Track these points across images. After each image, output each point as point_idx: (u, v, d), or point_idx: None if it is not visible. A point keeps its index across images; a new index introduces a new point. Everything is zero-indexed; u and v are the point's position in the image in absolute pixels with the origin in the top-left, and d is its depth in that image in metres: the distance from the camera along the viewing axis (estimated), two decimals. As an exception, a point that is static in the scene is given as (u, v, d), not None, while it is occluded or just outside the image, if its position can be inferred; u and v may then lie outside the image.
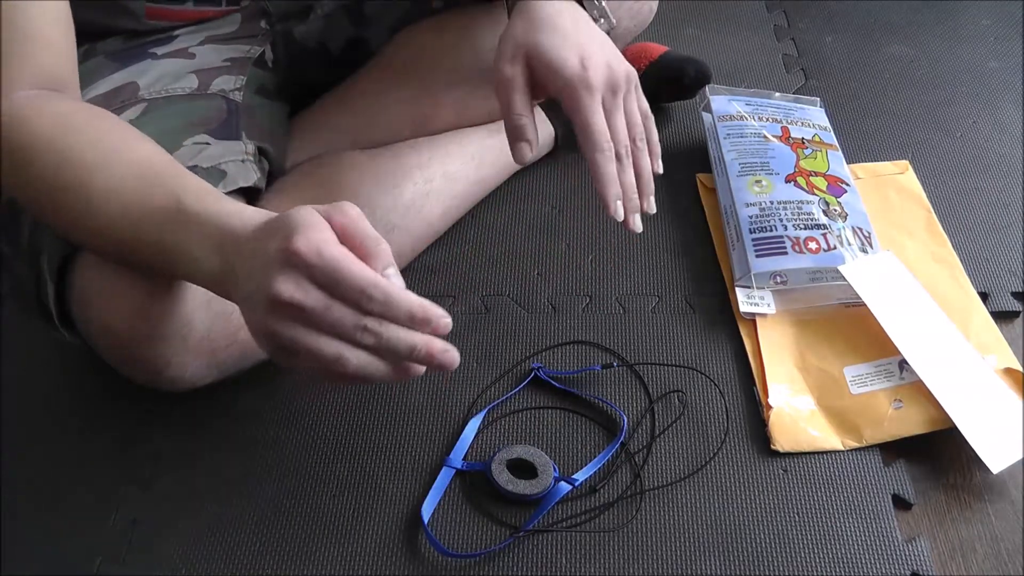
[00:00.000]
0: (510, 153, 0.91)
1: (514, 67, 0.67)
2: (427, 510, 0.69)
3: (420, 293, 0.84)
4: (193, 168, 0.69)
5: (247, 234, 0.54)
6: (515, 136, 0.68)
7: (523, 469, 0.70)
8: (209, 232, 0.56)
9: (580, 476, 0.70)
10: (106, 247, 0.63)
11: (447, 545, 0.68)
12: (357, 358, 0.53)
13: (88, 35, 0.75)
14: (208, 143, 0.72)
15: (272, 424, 0.76)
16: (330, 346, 0.52)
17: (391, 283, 0.53)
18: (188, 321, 0.65)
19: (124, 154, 0.61)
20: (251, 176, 0.72)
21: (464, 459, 0.72)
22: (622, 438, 0.73)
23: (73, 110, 0.64)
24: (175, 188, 0.59)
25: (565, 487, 0.69)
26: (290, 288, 0.50)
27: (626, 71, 0.70)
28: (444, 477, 0.71)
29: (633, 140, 0.70)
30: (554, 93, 0.68)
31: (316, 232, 0.51)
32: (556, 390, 0.77)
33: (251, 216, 0.56)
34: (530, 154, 0.67)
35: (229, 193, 0.71)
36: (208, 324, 0.66)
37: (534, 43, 0.67)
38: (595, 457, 0.72)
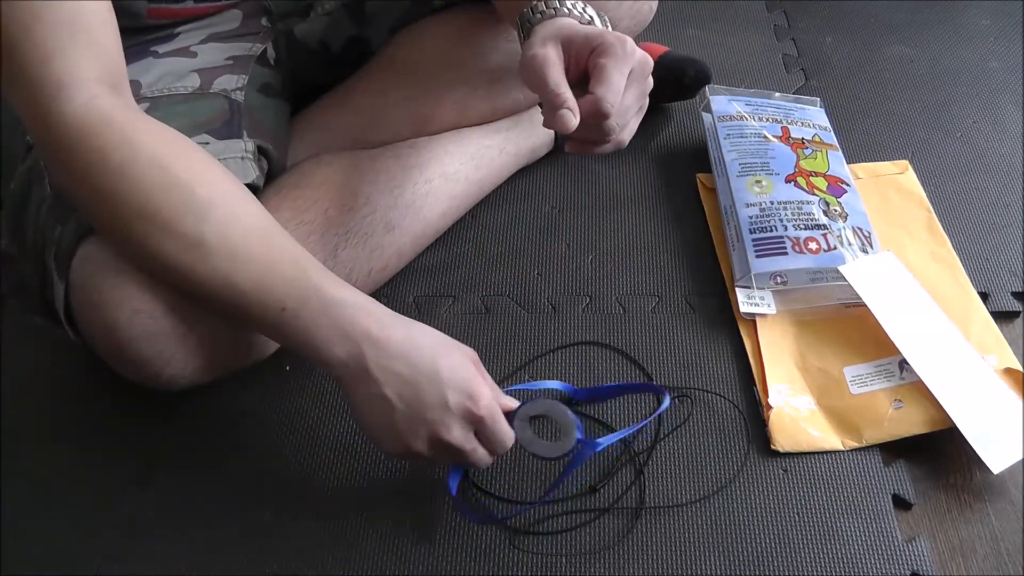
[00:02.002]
0: (502, 154, 0.91)
1: (545, 47, 0.64)
2: (453, 481, 0.68)
3: (420, 293, 0.85)
4: None
5: (395, 354, 0.61)
6: (555, 105, 0.62)
7: (546, 424, 0.69)
8: (342, 323, 0.60)
9: (604, 441, 0.67)
10: (194, 292, 0.63)
11: (453, 521, 0.68)
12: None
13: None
14: (208, 143, 0.72)
15: (272, 424, 0.76)
16: (462, 460, 0.64)
17: (512, 434, 0.65)
18: (187, 320, 0.65)
19: (242, 203, 0.63)
20: (250, 174, 0.72)
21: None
22: (660, 411, 0.73)
23: (173, 134, 0.63)
24: (303, 261, 0.62)
25: (588, 451, 0.67)
26: (459, 437, 0.61)
27: (651, 66, 0.68)
28: None
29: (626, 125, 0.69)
30: (590, 60, 0.64)
31: (490, 399, 0.62)
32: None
33: (388, 322, 0.62)
34: (575, 121, 0.63)
35: None
36: (208, 324, 0.66)
37: (568, 25, 0.65)
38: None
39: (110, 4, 0.63)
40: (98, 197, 0.61)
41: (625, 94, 0.64)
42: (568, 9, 0.67)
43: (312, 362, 0.62)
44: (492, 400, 0.63)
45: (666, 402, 0.73)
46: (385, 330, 0.61)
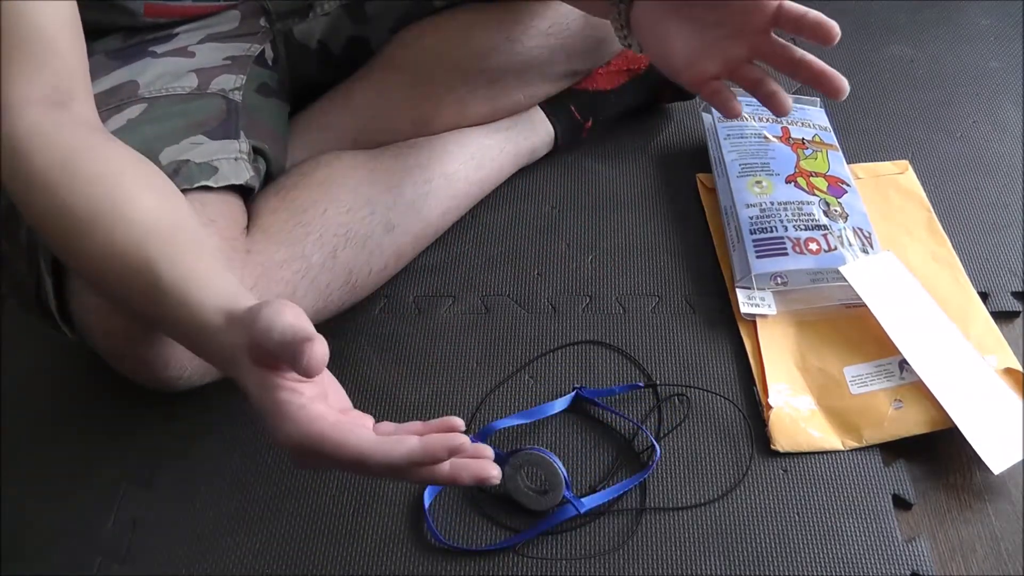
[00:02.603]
0: (502, 153, 0.91)
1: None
2: (429, 495, 0.69)
3: (420, 293, 0.85)
4: (185, 163, 0.68)
5: (233, 358, 0.53)
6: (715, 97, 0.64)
7: (537, 474, 0.69)
8: (192, 329, 0.56)
9: (588, 502, 0.68)
10: (109, 298, 0.64)
11: (443, 537, 0.68)
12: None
13: (87, 34, 0.75)
14: (203, 143, 0.72)
15: (272, 424, 0.76)
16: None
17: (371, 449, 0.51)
18: None
19: (121, 217, 0.59)
20: (243, 174, 0.72)
21: (487, 442, 0.72)
22: (646, 475, 0.71)
23: (77, 149, 0.61)
24: (160, 270, 0.57)
25: (571, 511, 0.68)
26: (308, 467, 0.61)
27: None
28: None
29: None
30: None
31: (306, 445, 0.50)
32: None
33: (232, 334, 0.54)
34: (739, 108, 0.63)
35: (224, 189, 0.71)
36: None
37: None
38: (610, 473, 0.72)
39: (73, 9, 0.62)
40: (38, 216, 0.60)
41: None
42: None
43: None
44: (313, 450, 0.51)
45: (657, 455, 0.72)
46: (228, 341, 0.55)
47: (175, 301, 0.56)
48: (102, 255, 0.58)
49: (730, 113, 0.64)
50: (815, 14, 0.60)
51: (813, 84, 0.63)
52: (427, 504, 0.69)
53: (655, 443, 0.72)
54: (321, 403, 0.52)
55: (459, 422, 0.53)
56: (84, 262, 0.60)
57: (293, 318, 0.50)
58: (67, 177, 0.59)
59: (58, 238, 0.60)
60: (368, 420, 0.54)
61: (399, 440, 0.50)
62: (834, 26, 0.60)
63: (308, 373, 0.49)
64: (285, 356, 0.49)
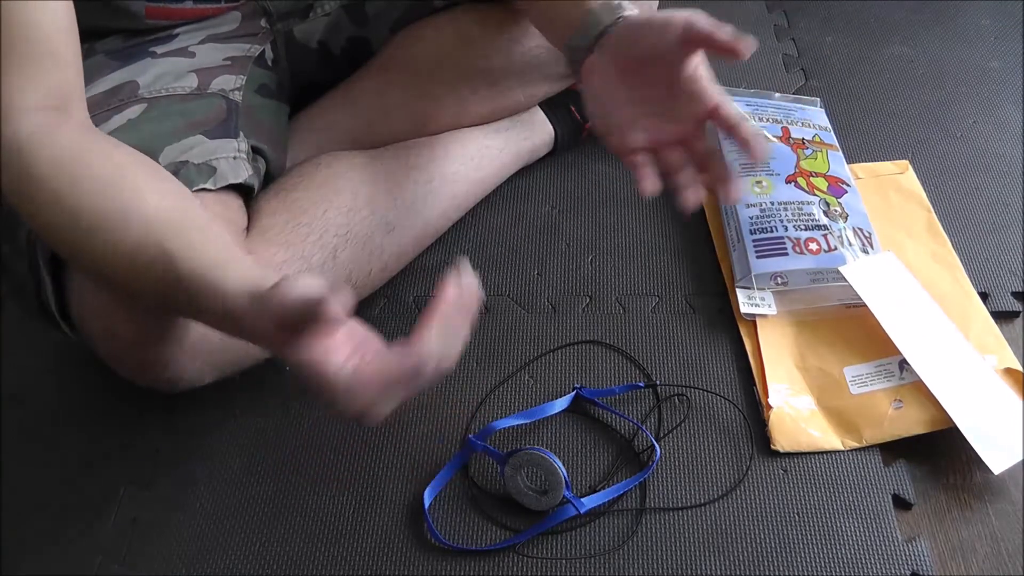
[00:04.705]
0: (501, 153, 0.91)
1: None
2: (429, 495, 0.69)
3: (420, 293, 0.85)
4: (184, 163, 0.68)
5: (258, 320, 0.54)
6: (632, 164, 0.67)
7: (537, 474, 0.70)
8: (219, 316, 0.57)
9: (588, 502, 0.69)
10: (120, 293, 0.63)
11: (443, 537, 0.68)
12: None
13: (88, 35, 0.75)
14: (202, 143, 0.71)
15: (272, 424, 0.76)
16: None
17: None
18: (186, 323, 0.65)
19: (133, 213, 0.59)
20: (241, 173, 0.72)
21: (488, 442, 0.72)
22: (647, 474, 0.71)
23: (80, 152, 0.61)
24: (178, 262, 0.57)
25: (570, 511, 0.68)
26: (378, 418, 0.55)
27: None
28: (455, 462, 0.72)
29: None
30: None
31: (362, 400, 0.53)
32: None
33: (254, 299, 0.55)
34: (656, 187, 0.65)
35: (223, 189, 0.71)
36: (207, 328, 0.66)
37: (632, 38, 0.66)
38: (610, 472, 0.72)
39: (70, 5, 0.62)
40: (42, 221, 0.60)
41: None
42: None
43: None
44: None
45: (657, 455, 0.72)
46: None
47: (197, 291, 0.56)
48: (115, 253, 0.58)
49: (643, 191, 0.65)
50: (748, 127, 0.63)
51: (712, 185, 0.66)
52: (427, 504, 0.69)
53: (655, 443, 0.72)
54: (359, 357, 0.54)
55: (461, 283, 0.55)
56: (97, 262, 0.60)
57: (311, 279, 0.51)
58: (73, 179, 0.59)
59: (67, 241, 0.60)
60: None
61: (425, 339, 0.53)
62: (762, 145, 0.63)
63: (336, 317, 0.50)
64: (309, 314, 0.50)
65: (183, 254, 0.57)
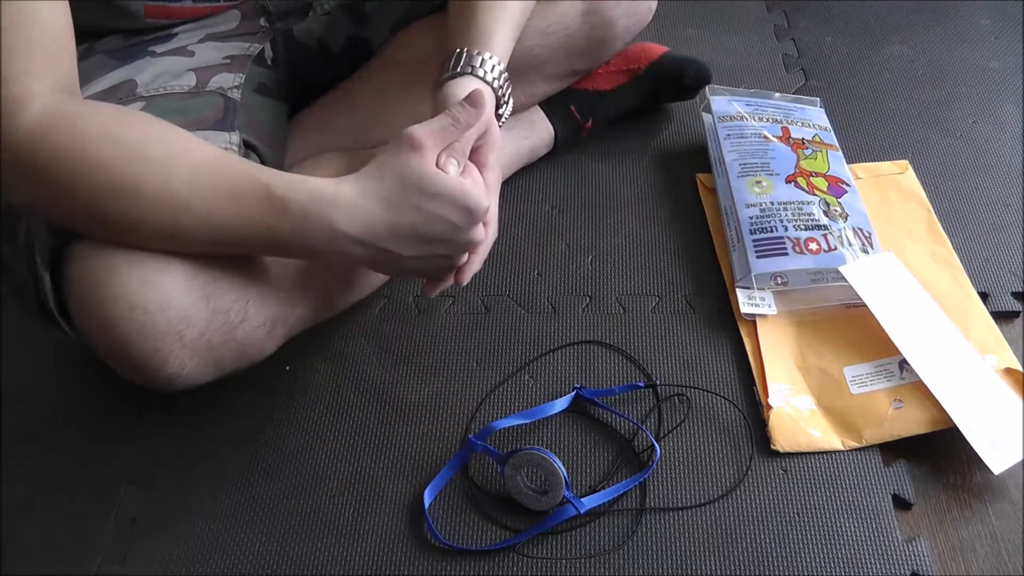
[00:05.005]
0: (509, 154, 0.92)
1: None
2: (429, 495, 0.69)
3: (420, 293, 0.85)
4: None
5: (370, 188, 0.62)
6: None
7: (537, 474, 0.70)
8: (319, 212, 0.61)
9: (588, 502, 0.69)
10: (190, 244, 0.63)
11: (443, 537, 0.68)
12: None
13: (87, 34, 0.75)
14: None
15: (272, 423, 0.76)
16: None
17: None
18: (185, 316, 0.65)
19: (192, 151, 0.63)
20: None
21: (488, 442, 0.72)
22: (647, 474, 0.71)
23: (117, 108, 0.64)
24: (263, 177, 0.63)
25: (570, 511, 0.68)
26: (454, 173, 0.64)
27: None
28: (455, 462, 0.72)
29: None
30: (477, 157, 0.70)
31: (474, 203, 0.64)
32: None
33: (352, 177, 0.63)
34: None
35: None
36: (206, 320, 0.66)
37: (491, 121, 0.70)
38: (610, 472, 0.72)
39: (67, 8, 0.63)
40: (66, 194, 0.61)
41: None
42: (485, 73, 0.72)
43: (315, 257, 0.66)
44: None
45: (657, 455, 0.72)
46: (357, 180, 0.63)
47: (303, 199, 0.61)
48: (187, 193, 0.61)
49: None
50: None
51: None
52: (427, 504, 0.69)
53: (655, 443, 0.72)
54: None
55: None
56: (166, 213, 0.61)
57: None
58: (119, 127, 0.61)
59: (120, 201, 0.60)
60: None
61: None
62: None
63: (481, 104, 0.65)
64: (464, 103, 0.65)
65: (262, 173, 0.63)
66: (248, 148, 0.76)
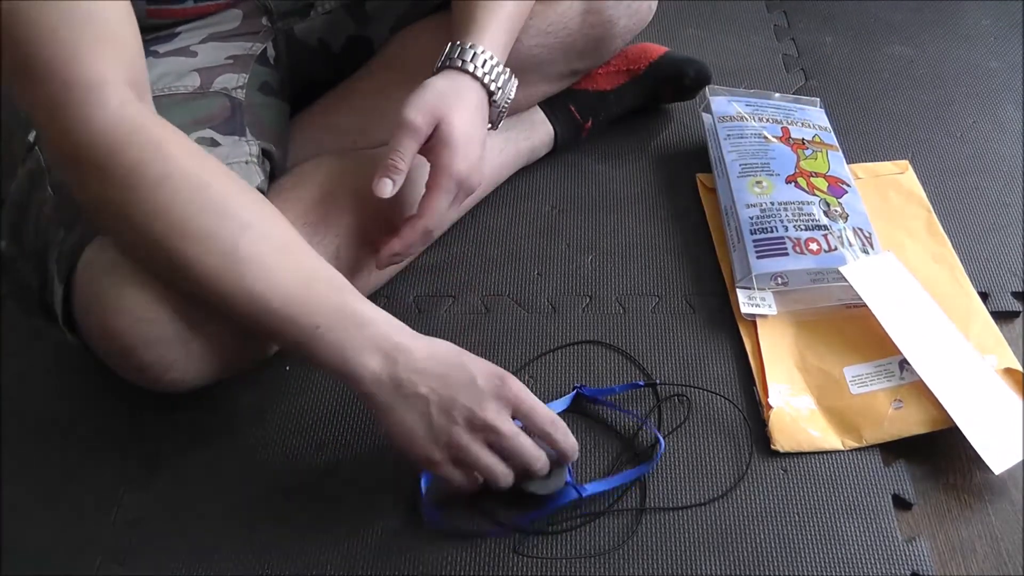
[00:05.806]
0: (501, 154, 0.91)
1: (424, 119, 0.71)
2: (426, 478, 0.69)
3: (420, 293, 0.85)
4: None
5: (423, 357, 0.63)
6: (385, 171, 0.71)
7: None
8: (375, 339, 0.62)
9: (591, 488, 0.69)
10: (229, 311, 0.62)
11: (439, 520, 0.68)
12: (506, 475, 0.65)
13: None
14: (214, 138, 0.71)
15: (272, 424, 0.76)
16: (499, 466, 0.64)
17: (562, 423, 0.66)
18: (191, 326, 0.65)
19: (274, 222, 0.64)
20: (255, 179, 0.72)
21: None
22: (651, 467, 0.71)
23: (201, 150, 0.63)
24: (335, 280, 0.64)
25: (572, 494, 0.68)
26: (493, 414, 0.62)
27: (477, 183, 0.76)
28: None
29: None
30: (433, 158, 0.73)
31: (521, 386, 0.64)
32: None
33: (414, 334, 0.64)
34: (391, 190, 0.70)
35: None
36: (211, 329, 0.66)
37: (449, 121, 0.72)
38: (611, 471, 0.72)
39: (129, 6, 0.62)
40: (128, 211, 0.60)
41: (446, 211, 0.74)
42: (475, 67, 0.73)
43: (336, 376, 0.63)
44: (523, 387, 0.64)
45: (661, 447, 0.72)
46: (414, 340, 0.64)
47: (374, 320, 0.64)
48: (257, 262, 0.61)
49: (376, 187, 0.72)
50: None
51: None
52: (424, 487, 0.68)
53: (659, 436, 0.72)
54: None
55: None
56: (225, 274, 0.61)
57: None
58: (210, 190, 0.61)
59: (191, 245, 0.60)
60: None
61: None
62: None
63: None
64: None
65: (343, 280, 0.65)
66: (265, 156, 0.76)
